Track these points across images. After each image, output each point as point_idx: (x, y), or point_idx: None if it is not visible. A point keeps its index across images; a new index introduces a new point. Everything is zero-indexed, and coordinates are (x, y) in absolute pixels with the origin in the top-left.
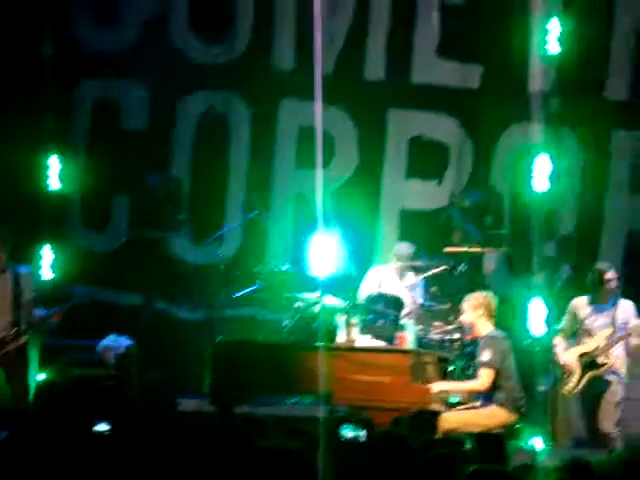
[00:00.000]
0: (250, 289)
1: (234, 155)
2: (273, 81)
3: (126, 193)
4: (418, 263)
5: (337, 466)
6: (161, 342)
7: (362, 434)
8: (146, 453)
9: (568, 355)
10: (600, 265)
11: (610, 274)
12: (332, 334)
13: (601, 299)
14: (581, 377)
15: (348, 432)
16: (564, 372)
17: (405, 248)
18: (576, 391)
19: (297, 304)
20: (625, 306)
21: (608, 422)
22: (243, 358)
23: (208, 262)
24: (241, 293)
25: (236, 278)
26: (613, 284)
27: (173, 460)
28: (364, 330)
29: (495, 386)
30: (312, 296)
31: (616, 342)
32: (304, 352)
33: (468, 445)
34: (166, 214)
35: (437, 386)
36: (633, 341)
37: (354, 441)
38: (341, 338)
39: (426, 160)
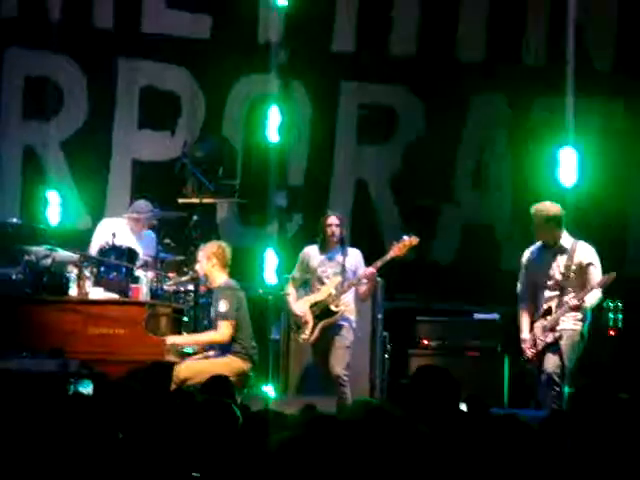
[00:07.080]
0: None
1: None
2: None
3: None
4: (154, 216)
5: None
6: None
7: (89, 388)
8: None
9: (301, 305)
10: (327, 213)
11: (330, 219)
12: (64, 287)
13: (328, 246)
14: (314, 326)
15: (76, 387)
16: (297, 321)
17: (145, 207)
18: (311, 340)
19: (27, 257)
20: (353, 254)
21: (339, 366)
22: None
23: None
24: None
25: None
26: (334, 229)
27: None
28: (97, 283)
29: (231, 337)
30: (42, 249)
31: (347, 289)
32: (34, 305)
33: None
34: None
35: (176, 339)
36: (361, 288)
37: (81, 395)
38: (73, 291)
39: (158, 110)
